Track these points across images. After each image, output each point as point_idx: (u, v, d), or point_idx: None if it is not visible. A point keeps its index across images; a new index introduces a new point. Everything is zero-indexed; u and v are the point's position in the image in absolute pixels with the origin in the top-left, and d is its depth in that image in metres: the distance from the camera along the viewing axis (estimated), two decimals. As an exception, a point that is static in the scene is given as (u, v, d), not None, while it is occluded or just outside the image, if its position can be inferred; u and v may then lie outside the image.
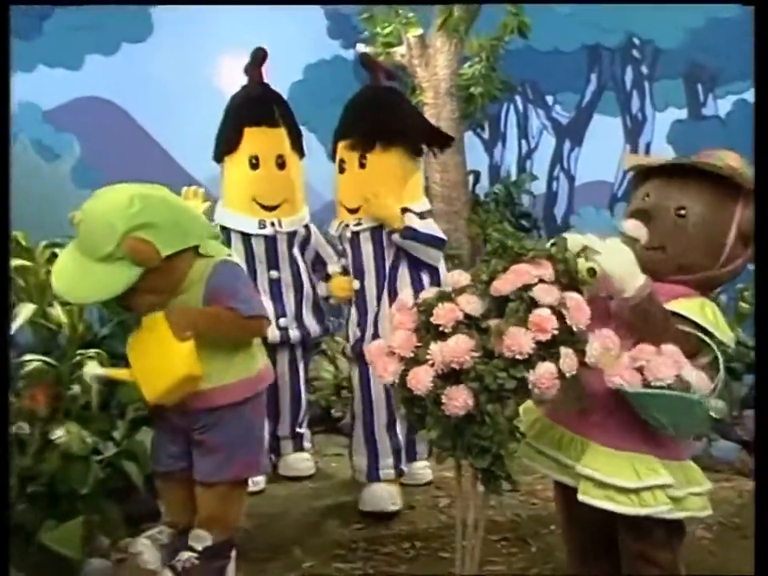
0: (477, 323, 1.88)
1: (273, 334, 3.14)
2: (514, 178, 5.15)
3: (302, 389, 3.42)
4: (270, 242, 3.20)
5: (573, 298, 1.87)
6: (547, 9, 5.32)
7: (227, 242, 3.13)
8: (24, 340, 2.99)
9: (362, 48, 4.76)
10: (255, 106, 3.19)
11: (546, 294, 1.85)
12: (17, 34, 4.74)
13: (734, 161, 2.06)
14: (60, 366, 2.76)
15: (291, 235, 3.25)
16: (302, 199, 3.33)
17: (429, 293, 1.97)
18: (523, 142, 5.63)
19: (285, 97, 3.32)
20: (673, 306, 1.95)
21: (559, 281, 1.94)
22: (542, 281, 1.89)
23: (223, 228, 3.17)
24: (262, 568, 2.66)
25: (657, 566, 2.04)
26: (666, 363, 1.83)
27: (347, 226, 3.06)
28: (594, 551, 2.23)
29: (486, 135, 5.62)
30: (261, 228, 3.16)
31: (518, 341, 1.78)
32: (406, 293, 2.00)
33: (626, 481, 1.93)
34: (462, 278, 1.94)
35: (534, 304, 1.85)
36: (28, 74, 4.88)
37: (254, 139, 3.16)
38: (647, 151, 5.40)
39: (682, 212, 2.02)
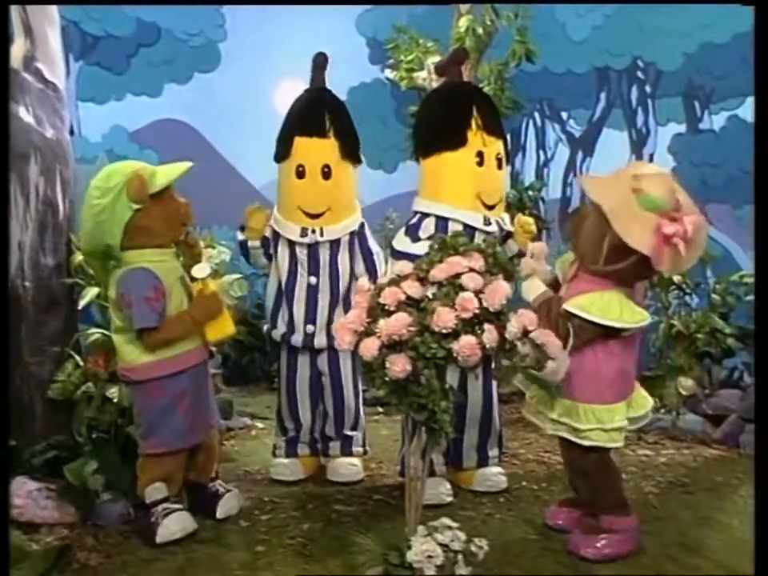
0: (417, 304, 2.07)
1: (297, 338, 3.07)
2: (526, 184, 5.24)
3: (346, 393, 3.16)
4: (312, 249, 3.03)
5: (493, 283, 2.04)
6: (562, 36, 5.44)
7: (276, 245, 3.09)
8: (90, 317, 3.29)
9: (388, 73, 4.94)
10: (307, 117, 3.02)
11: (471, 280, 2.03)
12: (110, 70, 5.19)
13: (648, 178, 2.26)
14: (117, 338, 3.03)
15: (334, 243, 3.05)
16: (349, 208, 3.10)
17: (383, 279, 2.18)
18: (541, 152, 5.72)
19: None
20: (567, 303, 2.31)
21: (490, 271, 2.12)
22: (472, 270, 2.07)
23: (274, 232, 3.09)
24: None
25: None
26: None
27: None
28: None
29: (508, 146, 5.74)
30: (302, 236, 3.00)
31: (443, 318, 1.98)
32: (363, 279, 2.21)
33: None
34: (406, 267, 2.13)
35: (461, 289, 2.03)
36: (119, 102, 5.24)
37: (303, 149, 2.99)
38: (651, 160, 5.42)
39: (586, 221, 2.38)
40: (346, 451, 3.19)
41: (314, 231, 3.01)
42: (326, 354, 3.12)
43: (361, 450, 3.22)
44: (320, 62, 3.11)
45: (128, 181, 2.48)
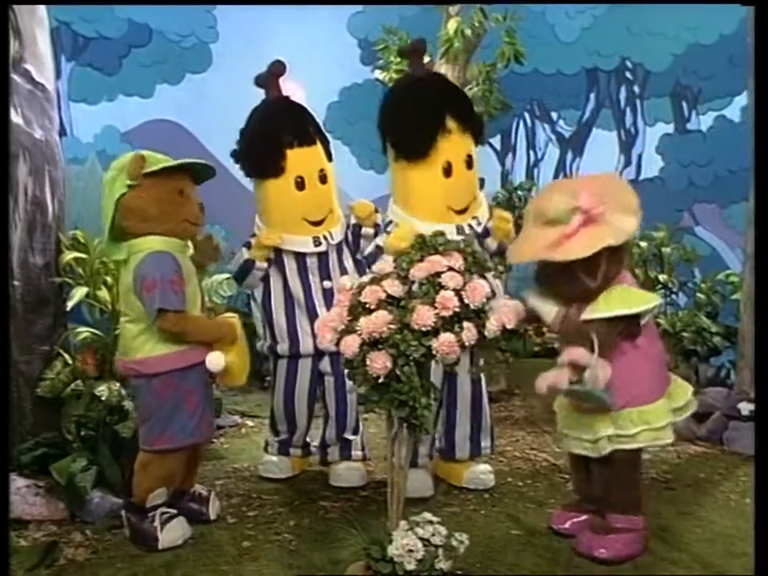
0: (398, 302, 2.10)
1: (309, 343, 3.03)
2: (516, 184, 5.28)
3: (349, 394, 3.11)
4: (323, 256, 3.05)
5: (473, 282, 2.07)
6: (552, 37, 5.49)
7: (276, 261, 3.05)
8: (79, 316, 3.31)
9: (378, 74, 4.96)
10: (293, 128, 2.98)
11: (451, 279, 2.06)
12: (102, 70, 5.21)
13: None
14: (105, 337, 3.07)
15: (338, 245, 3.09)
16: (338, 206, 3.14)
17: (364, 278, 2.21)
18: (531, 152, 5.77)
19: (322, 115, 3.28)
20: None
21: (469, 270, 2.15)
22: (451, 269, 2.10)
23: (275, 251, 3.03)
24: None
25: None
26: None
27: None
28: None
29: (498, 147, 5.80)
30: (316, 245, 3.00)
31: (423, 316, 2.00)
32: (344, 278, 2.23)
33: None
34: (387, 265, 2.16)
35: (441, 287, 2.06)
36: (111, 103, 5.25)
37: (297, 160, 2.95)
38: (639, 160, 5.48)
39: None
40: (345, 455, 3.15)
41: (325, 238, 3.02)
42: (328, 355, 3.08)
43: (360, 453, 3.18)
44: (277, 70, 3.05)
45: (131, 158, 2.48)
